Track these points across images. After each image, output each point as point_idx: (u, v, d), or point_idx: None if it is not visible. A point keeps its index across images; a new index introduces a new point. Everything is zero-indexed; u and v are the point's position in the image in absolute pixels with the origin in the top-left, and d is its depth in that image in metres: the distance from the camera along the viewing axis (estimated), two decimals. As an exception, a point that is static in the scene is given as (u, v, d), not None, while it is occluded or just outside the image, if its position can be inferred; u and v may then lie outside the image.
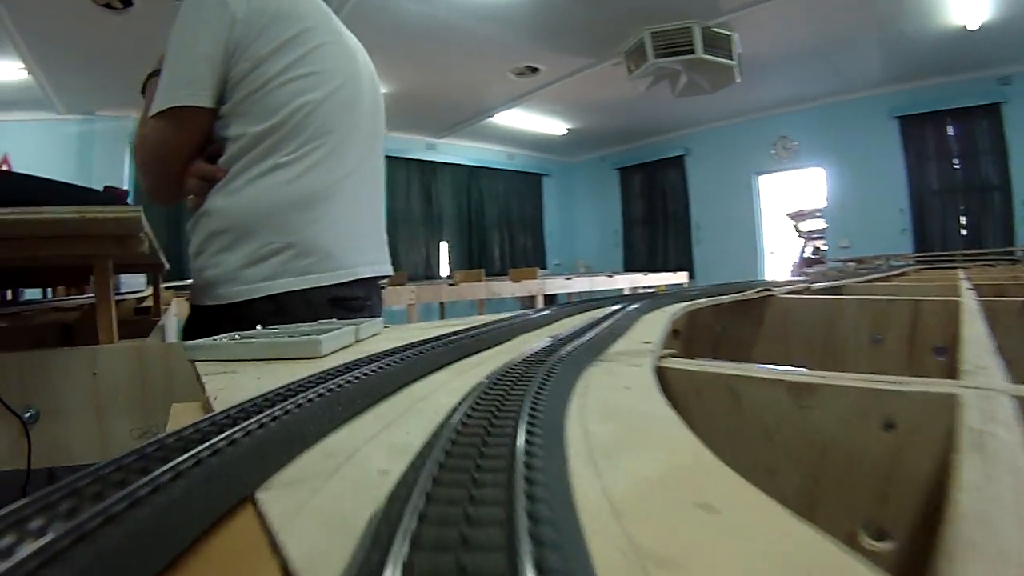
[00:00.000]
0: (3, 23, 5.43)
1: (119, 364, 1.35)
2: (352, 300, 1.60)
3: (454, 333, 0.81)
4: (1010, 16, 6.52)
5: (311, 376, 0.51)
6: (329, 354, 0.82)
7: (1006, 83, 8.07)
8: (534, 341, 0.73)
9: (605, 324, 0.85)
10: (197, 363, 0.78)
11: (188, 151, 1.45)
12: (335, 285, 1.52)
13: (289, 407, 0.40)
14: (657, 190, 11.79)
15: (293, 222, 1.46)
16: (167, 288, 4.56)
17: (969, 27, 6.70)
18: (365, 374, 0.53)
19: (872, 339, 1.60)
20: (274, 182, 1.44)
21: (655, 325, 0.97)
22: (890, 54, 7.60)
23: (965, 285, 2.10)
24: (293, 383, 0.48)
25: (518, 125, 10.06)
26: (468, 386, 0.46)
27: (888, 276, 3.34)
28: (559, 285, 7.19)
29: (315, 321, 1.22)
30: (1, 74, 6.52)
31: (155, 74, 1.51)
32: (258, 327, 1.01)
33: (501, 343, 0.85)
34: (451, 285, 6.32)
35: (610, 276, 7.97)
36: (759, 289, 1.82)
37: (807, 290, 2.17)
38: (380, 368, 0.56)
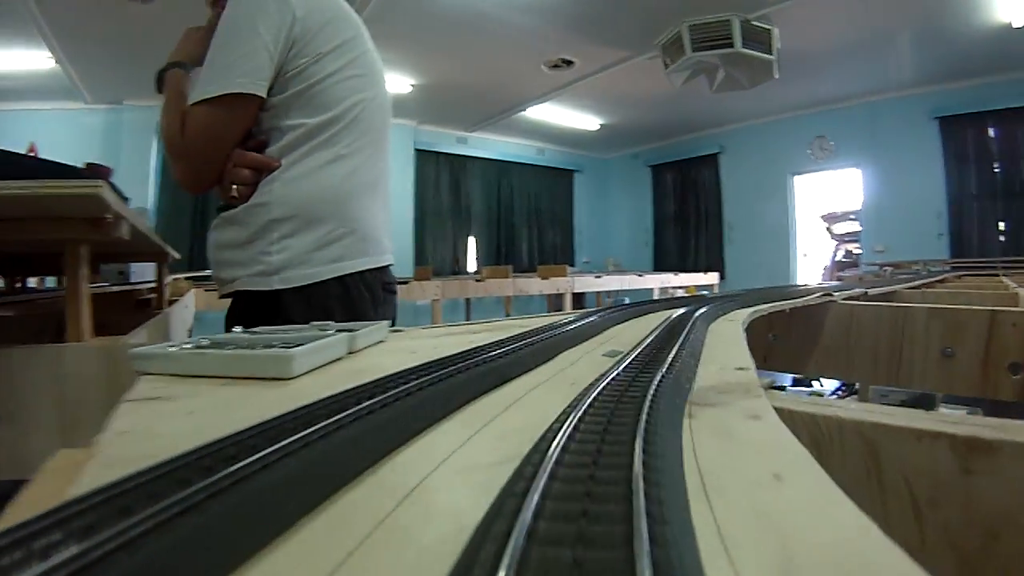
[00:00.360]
0: (31, 13, 5.45)
1: (86, 365, 1.27)
2: (393, 285, 1.78)
3: (477, 349, 0.66)
4: None
5: (239, 433, 0.33)
6: (306, 373, 0.65)
7: None
8: (587, 362, 0.66)
9: (675, 341, 0.71)
10: (143, 376, 0.65)
11: (236, 139, 1.49)
12: (383, 269, 1.70)
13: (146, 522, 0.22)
14: (690, 189, 11.65)
15: (354, 209, 1.59)
16: (187, 278, 4.48)
17: (1015, 24, 6.53)
18: (329, 427, 0.34)
19: (942, 352, 1.49)
20: (337, 171, 1.55)
21: (731, 340, 0.84)
22: (931, 52, 7.43)
23: None
24: (210, 444, 0.31)
25: (550, 119, 9.93)
26: (495, 466, 0.33)
27: (931, 282, 3.25)
28: (589, 283, 7.10)
29: (373, 303, 1.58)
30: (29, 64, 6.55)
31: (173, 66, 1.59)
32: (234, 329, 0.89)
33: (539, 363, 0.68)
34: (478, 281, 6.11)
35: (640, 275, 7.91)
36: (820, 294, 1.69)
37: (865, 296, 2.06)
38: (359, 412, 0.38)
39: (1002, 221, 8.34)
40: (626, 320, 1.10)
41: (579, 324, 0.91)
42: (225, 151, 1.47)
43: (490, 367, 0.58)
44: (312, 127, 1.50)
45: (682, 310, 1.05)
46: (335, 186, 1.54)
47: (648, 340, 0.71)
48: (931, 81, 8.41)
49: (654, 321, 0.96)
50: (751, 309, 1.23)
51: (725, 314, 1.14)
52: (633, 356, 0.60)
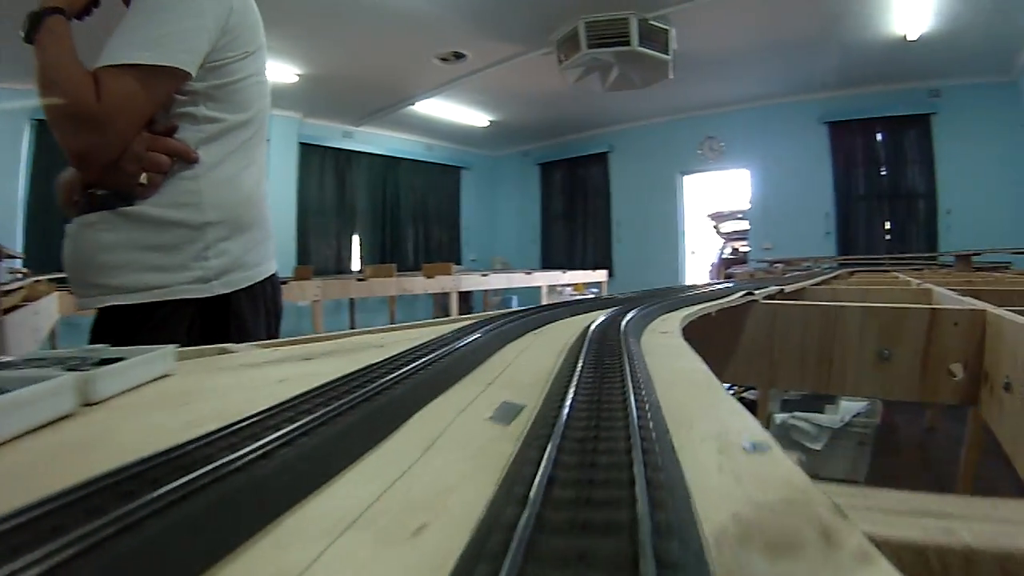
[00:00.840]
0: None
1: None
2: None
3: (317, 389, 0.46)
4: (948, 29, 6.64)
5: None
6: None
7: (936, 95, 8.35)
8: (455, 448, 0.39)
9: (608, 378, 0.48)
10: None
11: (150, 114, 1.34)
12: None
13: None
14: (579, 187, 11.73)
15: (267, 216, 1.60)
16: (50, 280, 4.11)
17: (909, 37, 6.81)
18: None
19: (879, 354, 1.39)
20: (251, 177, 1.53)
21: (696, 380, 0.57)
22: (826, 60, 7.61)
23: (945, 291, 1.94)
24: None
25: (440, 115, 9.76)
26: None
27: (829, 278, 3.26)
28: (475, 282, 6.97)
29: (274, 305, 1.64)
30: None
31: (53, 11, 1.30)
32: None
33: (410, 415, 0.46)
34: (360, 280, 5.88)
35: (528, 273, 7.84)
36: (743, 293, 1.55)
37: (782, 293, 1.95)
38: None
39: (888, 221, 8.84)
40: (524, 333, 0.91)
41: (458, 346, 0.67)
42: (139, 127, 1.31)
43: (333, 428, 0.37)
44: (232, 124, 1.44)
45: (594, 318, 0.86)
46: (253, 191, 1.53)
47: (562, 376, 0.51)
48: (823, 88, 8.67)
49: (562, 335, 0.81)
50: (675, 315, 1.07)
51: (648, 324, 0.96)
52: (548, 424, 0.36)
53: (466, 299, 10.17)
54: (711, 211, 10.83)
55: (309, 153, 9.79)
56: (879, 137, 8.88)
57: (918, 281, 2.73)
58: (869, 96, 8.67)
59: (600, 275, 8.83)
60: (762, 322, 1.54)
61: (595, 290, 9.20)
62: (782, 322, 1.52)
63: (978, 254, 5.96)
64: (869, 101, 8.69)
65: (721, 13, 6.19)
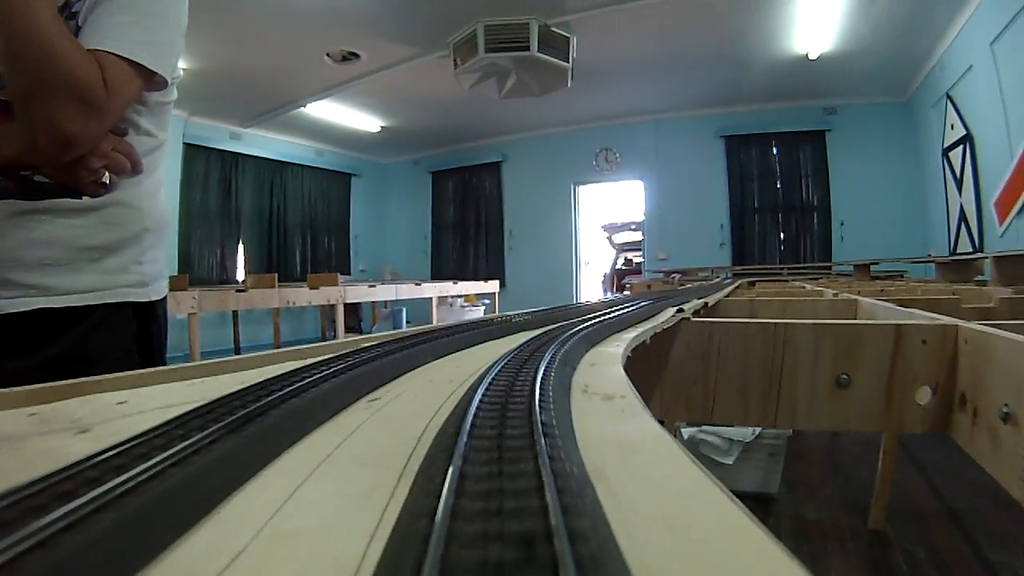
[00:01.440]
0: None
1: None
2: None
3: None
4: (848, 50, 6.93)
5: None
6: None
7: (832, 113, 9.07)
8: None
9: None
10: None
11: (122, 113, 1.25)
12: None
13: None
14: (471, 196, 11.58)
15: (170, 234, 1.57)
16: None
17: (810, 56, 7.06)
18: None
19: (836, 380, 1.18)
20: (162, 195, 1.48)
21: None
22: (726, 75, 7.76)
23: (875, 302, 1.83)
24: None
25: (331, 118, 9.46)
26: None
27: (734, 290, 3.07)
28: (362, 293, 6.70)
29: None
30: None
31: None
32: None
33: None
34: (239, 291, 5.49)
35: (418, 284, 7.60)
36: (676, 310, 1.32)
37: (706, 308, 1.76)
38: None
39: (782, 232, 9.23)
40: (395, 376, 0.63)
41: (279, 410, 0.40)
42: (113, 119, 1.19)
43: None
44: (160, 141, 1.42)
45: (484, 360, 0.62)
46: (166, 207, 1.50)
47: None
48: (720, 102, 8.93)
49: (442, 389, 0.54)
50: (607, 351, 0.79)
51: (568, 362, 0.63)
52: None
53: (354, 311, 9.88)
54: (605, 222, 10.84)
55: (194, 154, 9.26)
56: (775, 151, 9.23)
57: (833, 291, 2.70)
58: (766, 112, 9.02)
59: (491, 286, 8.66)
60: (694, 344, 1.30)
61: (486, 301, 8.99)
62: (719, 344, 1.28)
63: (876, 263, 6.14)
64: (766, 117, 9.04)
65: (623, 23, 6.15)
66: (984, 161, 6.52)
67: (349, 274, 11.29)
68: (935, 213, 8.08)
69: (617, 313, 1.14)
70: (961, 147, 6.96)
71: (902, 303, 1.86)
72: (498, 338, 0.88)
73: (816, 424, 1.21)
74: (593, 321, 0.97)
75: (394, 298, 7.09)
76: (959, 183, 7.14)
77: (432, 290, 7.56)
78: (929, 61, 7.42)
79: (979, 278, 4.62)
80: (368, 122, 9.78)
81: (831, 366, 1.18)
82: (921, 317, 1.31)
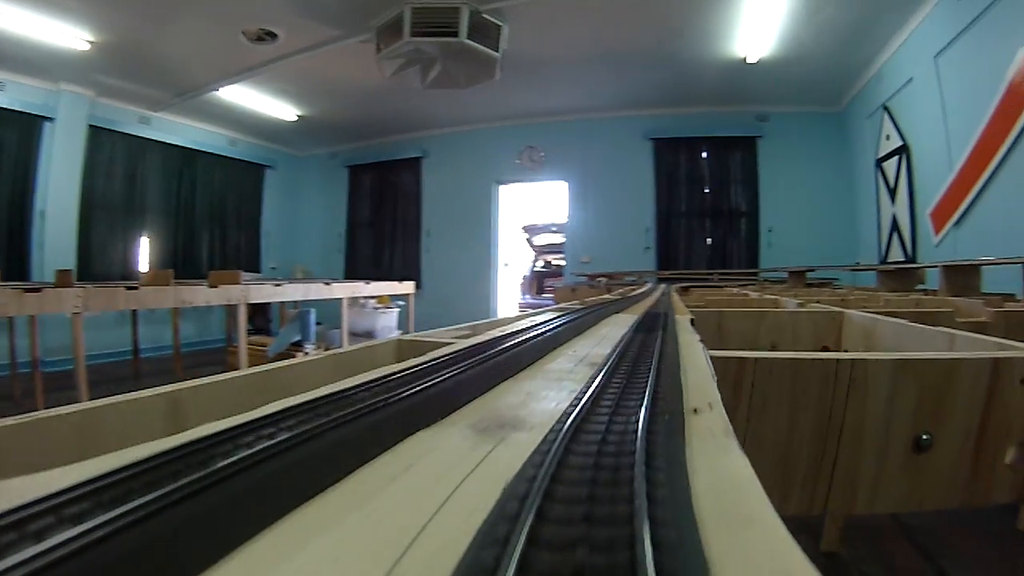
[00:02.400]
0: None
1: None
2: None
3: None
4: (786, 55, 6.98)
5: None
6: None
7: (764, 120, 9.21)
8: None
9: None
10: None
11: None
12: None
13: None
14: (388, 193, 11.25)
15: None
16: None
17: (748, 60, 7.07)
18: None
19: (916, 441, 0.90)
20: None
21: None
22: (659, 76, 7.74)
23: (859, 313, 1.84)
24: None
25: (246, 104, 8.98)
26: None
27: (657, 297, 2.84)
28: (267, 293, 6.17)
29: None
30: None
31: None
32: None
33: None
34: (131, 289, 4.80)
35: (327, 284, 7.11)
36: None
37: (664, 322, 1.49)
38: None
39: (709, 237, 9.27)
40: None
41: None
42: None
43: None
44: None
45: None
46: None
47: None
48: (652, 104, 8.92)
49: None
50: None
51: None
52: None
53: (263, 312, 9.40)
54: (525, 223, 10.79)
55: (99, 138, 8.58)
56: (705, 156, 9.25)
57: (794, 300, 2.62)
58: (698, 116, 9.09)
59: (407, 287, 8.25)
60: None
61: (401, 303, 8.57)
62: (751, 387, 0.95)
63: (812, 270, 6.31)
64: (697, 121, 9.12)
65: (560, 15, 6.00)
66: (920, 172, 6.75)
67: (259, 272, 10.89)
68: (865, 222, 8.26)
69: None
70: (896, 157, 7.19)
71: (893, 315, 1.77)
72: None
73: (882, 506, 0.91)
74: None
75: (302, 299, 6.65)
76: (892, 193, 7.32)
77: (343, 290, 7.10)
78: (868, 72, 7.58)
79: (920, 287, 4.79)
80: (284, 110, 9.37)
81: (911, 422, 0.89)
82: (1014, 348, 1.02)
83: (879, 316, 1.72)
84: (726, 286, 5.81)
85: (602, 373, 0.70)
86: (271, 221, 11.62)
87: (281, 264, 11.56)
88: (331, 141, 11.26)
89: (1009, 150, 5.01)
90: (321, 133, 10.66)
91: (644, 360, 0.79)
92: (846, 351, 1.88)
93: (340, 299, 6.92)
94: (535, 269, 10.36)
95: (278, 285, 6.40)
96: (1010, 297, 3.18)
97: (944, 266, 3.84)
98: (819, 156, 8.99)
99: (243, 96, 8.64)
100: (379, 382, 0.64)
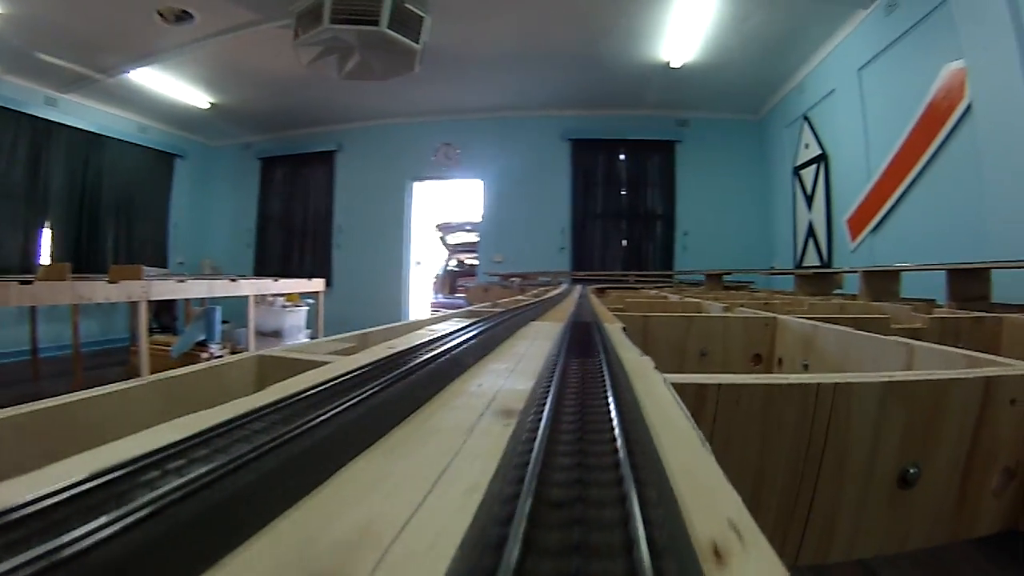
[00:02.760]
0: None
1: None
2: None
3: None
4: (710, 62, 7.10)
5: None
6: None
7: (684, 125, 9.41)
8: None
9: None
10: None
11: None
12: None
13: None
14: (300, 187, 11.00)
15: None
16: None
17: (672, 64, 7.17)
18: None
19: (902, 475, 0.80)
20: None
21: None
22: (581, 77, 7.77)
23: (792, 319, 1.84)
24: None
25: (157, 89, 8.59)
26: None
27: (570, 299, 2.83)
28: (168, 289, 5.76)
29: None
30: None
31: None
32: None
33: None
34: (24, 284, 4.38)
35: (234, 280, 6.81)
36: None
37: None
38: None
39: (625, 239, 9.41)
40: None
41: None
42: None
43: None
44: None
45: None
46: None
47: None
48: (572, 105, 9.00)
49: None
50: None
51: None
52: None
53: (169, 309, 9.07)
54: (439, 221, 10.75)
55: (2, 119, 8.10)
56: (623, 158, 9.40)
57: (717, 303, 2.59)
58: (617, 119, 9.20)
59: (316, 284, 8.06)
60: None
61: (311, 301, 8.34)
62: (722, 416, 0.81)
63: (729, 273, 6.36)
64: (616, 123, 9.23)
65: (485, 9, 5.98)
66: (837, 180, 6.99)
67: (166, 267, 10.41)
68: (781, 227, 8.53)
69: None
70: (815, 166, 7.45)
71: (829, 321, 1.70)
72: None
73: (859, 553, 0.80)
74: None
75: (207, 296, 6.39)
76: (810, 200, 7.63)
77: (250, 287, 6.81)
78: (790, 82, 7.81)
79: (838, 291, 4.87)
80: (197, 96, 9.04)
81: (897, 453, 0.79)
82: (997, 365, 0.94)
83: (818, 323, 1.64)
84: (642, 288, 5.79)
85: (534, 450, 0.40)
86: (180, 213, 11.16)
87: (189, 259, 11.14)
88: (244, 132, 10.94)
89: (929, 161, 5.18)
90: (234, 123, 10.37)
91: (595, 422, 0.48)
92: (780, 360, 1.85)
93: (247, 297, 6.67)
94: (449, 268, 10.26)
95: (181, 281, 6.11)
96: (932, 303, 3.20)
97: (865, 271, 3.88)
98: (736, 162, 9.23)
99: (155, 80, 8.30)
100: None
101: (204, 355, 6.50)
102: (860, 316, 2.19)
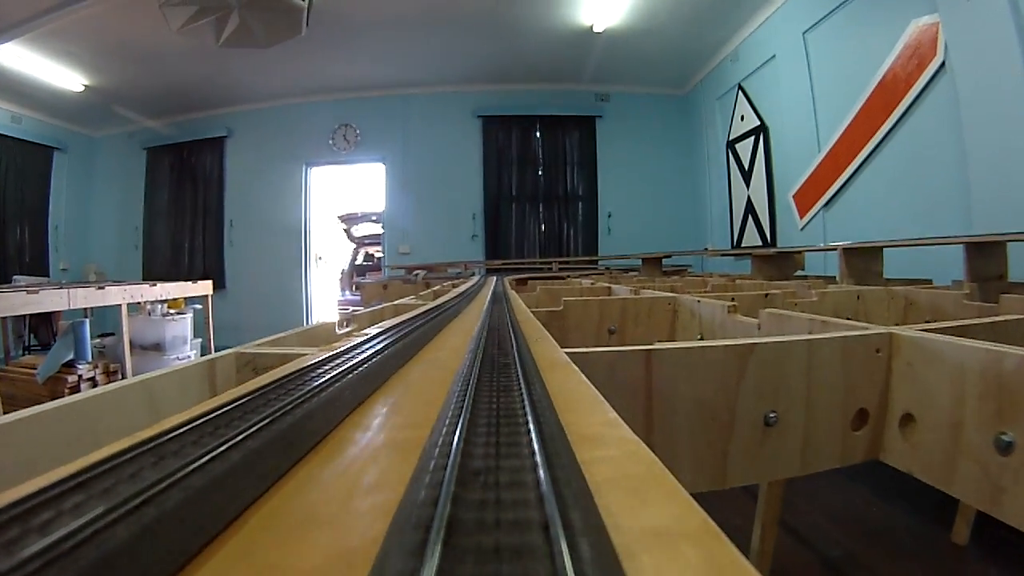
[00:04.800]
0: None
1: None
2: None
3: None
4: (635, 27, 6.80)
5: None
6: None
7: (604, 99, 9.10)
8: None
9: None
10: None
11: None
12: None
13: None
14: (188, 178, 10.09)
15: None
16: None
17: (596, 28, 6.83)
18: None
19: (765, 418, 0.99)
20: None
21: None
22: (493, 47, 7.44)
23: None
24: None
25: (27, 71, 7.66)
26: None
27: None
28: (18, 303, 4.87)
29: None
30: None
31: None
32: None
33: None
34: None
35: (100, 288, 5.97)
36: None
37: None
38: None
39: (543, 223, 9.09)
40: None
41: None
42: None
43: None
44: None
45: None
46: None
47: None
48: (483, 79, 8.60)
49: None
50: None
51: None
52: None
53: (49, 324, 8.20)
54: (343, 212, 10.20)
55: None
56: (539, 136, 8.96)
57: (690, 296, 2.17)
58: (532, 93, 8.92)
59: (202, 287, 7.45)
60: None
61: (197, 306, 7.63)
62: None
63: (668, 256, 5.81)
64: (532, 98, 8.95)
65: None
66: (779, 153, 6.66)
67: (47, 275, 9.52)
68: (715, 206, 8.38)
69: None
70: (752, 138, 7.11)
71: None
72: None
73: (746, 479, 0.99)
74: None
75: (67, 307, 5.53)
76: (747, 176, 7.26)
77: (119, 295, 6.00)
78: (721, 51, 7.55)
79: (800, 273, 4.31)
80: (69, 78, 8.07)
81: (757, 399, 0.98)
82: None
83: (786, 312, 1.47)
84: (568, 276, 5.22)
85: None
86: (61, 214, 10.12)
87: (74, 264, 10.15)
88: (128, 120, 9.97)
89: (892, 128, 4.80)
90: (117, 109, 9.43)
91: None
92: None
93: (118, 305, 5.85)
94: (356, 263, 9.64)
95: (33, 292, 5.16)
96: (927, 284, 2.95)
97: (845, 248, 3.33)
98: (662, 139, 8.96)
99: (21, 60, 7.35)
100: None
101: (71, 378, 5.70)
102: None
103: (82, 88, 8.43)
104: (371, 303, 3.48)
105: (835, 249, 3.43)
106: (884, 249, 3.30)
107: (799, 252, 4.33)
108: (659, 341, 0.95)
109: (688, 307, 1.98)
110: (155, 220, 10.27)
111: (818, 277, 3.98)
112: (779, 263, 4.27)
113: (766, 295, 2.23)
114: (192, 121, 9.87)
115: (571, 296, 2.49)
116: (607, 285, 3.11)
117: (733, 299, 1.87)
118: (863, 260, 3.29)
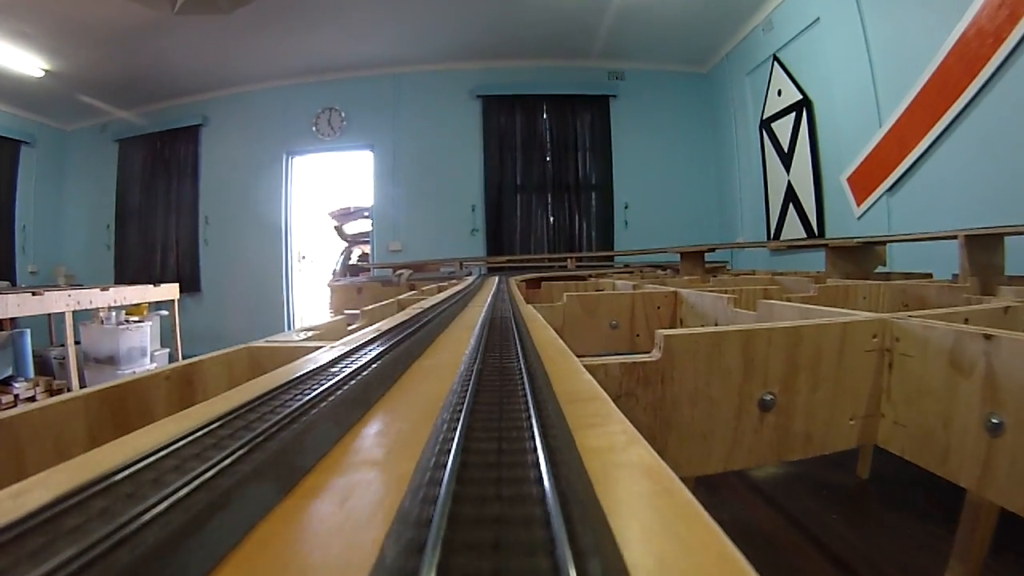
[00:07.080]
0: None
1: None
2: None
3: None
4: (641, 8, 6.47)
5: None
6: None
7: (619, 78, 8.45)
8: None
9: None
10: None
11: None
12: None
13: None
14: (160, 172, 9.39)
15: None
16: None
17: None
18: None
19: (760, 403, 1.01)
20: None
21: None
22: (493, 19, 6.93)
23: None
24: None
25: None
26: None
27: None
28: None
29: None
30: None
31: None
32: None
33: None
34: None
35: (36, 293, 5.17)
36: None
37: None
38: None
39: (552, 216, 8.42)
40: None
41: None
42: None
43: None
44: None
45: None
46: None
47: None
48: (482, 55, 8.17)
49: None
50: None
51: None
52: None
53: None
54: (335, 208, 9.41)
55: None
56: (545, 118, 8.35)
57: (787, 304, 1.60)
58: (538, 70, 8.31)
59: (166, 291, 6.81)
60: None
61: (164, 312, 6.96)
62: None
63: (712, 249, 5.05)
64: (537, 75, 8.33)
65: None
66: (827, 130, 5.99)
67: (13, 278, 8.94)
68: (746, 194, 7.69)
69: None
70: (792, 115, 6.45)
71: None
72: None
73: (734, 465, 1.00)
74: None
75: (19, 315, 4.83)
76: (787, 158, 6.59)
77: (63, 301, 5.26)
78: (751, 20, 6.97)
79: (881, 269, 3.64)
80: (25, 61, 7.38)
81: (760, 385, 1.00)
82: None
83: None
84: (590, 276, 4.47)
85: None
86: (28, 213, 9.52)
87: (43, 267, 9.53)
88: (99, 111, 9.32)
89: (978, 92, 4.03)
90: (82, 98, 8.77)
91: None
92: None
93: (63, 314, 5.12)
94: (349, 262, 8.93)
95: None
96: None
97: (968, 236, 2.60)
98: (684, 120, 8.37)
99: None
100: None
101: (5, 398, 4.99)
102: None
103: (42, 73, 7.80)
104: (340, 310, 3.24)
105: (946, 238, 2.72)
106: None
107: (884, 242, 3.53)
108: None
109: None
110: (127, 218, 9.61)
111: (907, 274, 3.22)
112: (858, 257, 3.48)
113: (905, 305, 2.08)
114: (165, 110, 9.22)
115: (607, 299, 1.82)
116: (673, 290, 2.09)
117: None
118: (985, 252, 2.57)
